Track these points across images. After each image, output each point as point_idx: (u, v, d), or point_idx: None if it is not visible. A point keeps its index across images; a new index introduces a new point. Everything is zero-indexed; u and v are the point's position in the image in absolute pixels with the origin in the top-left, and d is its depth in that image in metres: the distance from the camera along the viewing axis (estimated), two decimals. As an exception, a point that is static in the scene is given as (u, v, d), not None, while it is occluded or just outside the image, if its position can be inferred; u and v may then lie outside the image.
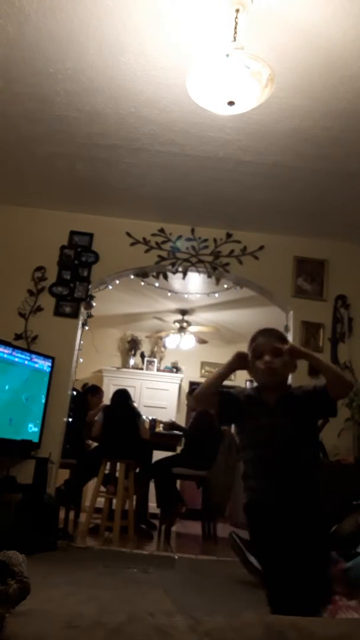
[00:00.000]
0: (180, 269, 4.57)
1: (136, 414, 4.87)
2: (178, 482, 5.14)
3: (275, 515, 1.77)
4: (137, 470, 4.84)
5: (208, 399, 2.01)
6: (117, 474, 4.56)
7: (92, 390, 5.52)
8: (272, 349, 1.86)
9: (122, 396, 4.89)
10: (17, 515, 3.33)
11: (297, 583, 1.66)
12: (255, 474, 1.86)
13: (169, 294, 5.68)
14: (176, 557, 3.75)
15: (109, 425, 4.69)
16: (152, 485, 5.08)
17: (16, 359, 3.88)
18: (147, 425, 5.25)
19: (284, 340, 1.93)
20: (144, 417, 5.33)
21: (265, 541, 1.80)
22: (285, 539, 1.72)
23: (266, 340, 1.90)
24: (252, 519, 1.87)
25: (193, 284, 5.32)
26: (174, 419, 6.01)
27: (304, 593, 1.64)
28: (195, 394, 2.07)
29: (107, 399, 5.48)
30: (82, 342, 4.59)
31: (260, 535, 1.85)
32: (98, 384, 6.27)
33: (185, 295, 5.80)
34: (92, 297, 4.51)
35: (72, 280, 4.44)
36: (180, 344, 6.78)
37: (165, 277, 4.69)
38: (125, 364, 7.52)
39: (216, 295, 5.36)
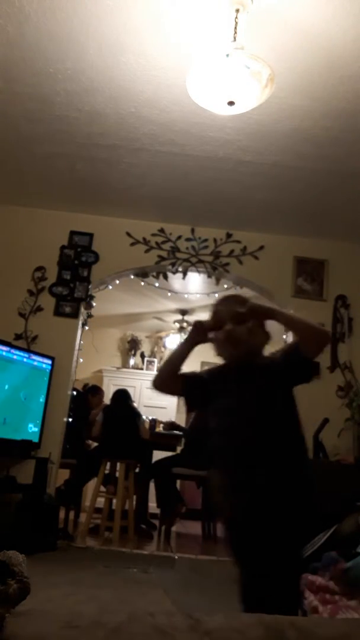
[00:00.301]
0: (180, 269, 4.58)
1: (136, 414, 4.87)
2: (178, 482, 5.14)
3: (243, 530, 1.44)
4: (137, 470, 4.84)
5: (169, 384, 1.67)
6: (117, 474, 4.56)
7: (93, 391, 5.53)
8: (234, 315, 1.56)
9: (122, 396, 4.90)
10: (17, 515, 3.34)
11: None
12: (220, 470, 1.53)
13: (169, 294, 5.67)
14: (176, 557, 3.75)
15: (109, 425, 4.70)
16: (152, 485, 5.08)
17: (15, 357, 3.88)
18: (147, 425, 5.25)
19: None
20: (144, 417, 5.33)
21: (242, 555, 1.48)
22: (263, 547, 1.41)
23: (227, 307, 1.61)
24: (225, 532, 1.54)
25: (193, 284, 5.32)
26: (174, 419, 6.00)
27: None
28: (153, 379, 1.68)
29: (107, 399, 5.49)
30: (82, 342, 4.59)
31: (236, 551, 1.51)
32: (98, 384, 6.28)
33: (185, 295, 5.80)
34: (92, 297, 4.51)
35: (72, 280, 4.44)
36: (180, 344, 6.77)
37: (165, 277, 4.69)
38: (125, 364, 7.52)
39: (216, 295, 5.33)
